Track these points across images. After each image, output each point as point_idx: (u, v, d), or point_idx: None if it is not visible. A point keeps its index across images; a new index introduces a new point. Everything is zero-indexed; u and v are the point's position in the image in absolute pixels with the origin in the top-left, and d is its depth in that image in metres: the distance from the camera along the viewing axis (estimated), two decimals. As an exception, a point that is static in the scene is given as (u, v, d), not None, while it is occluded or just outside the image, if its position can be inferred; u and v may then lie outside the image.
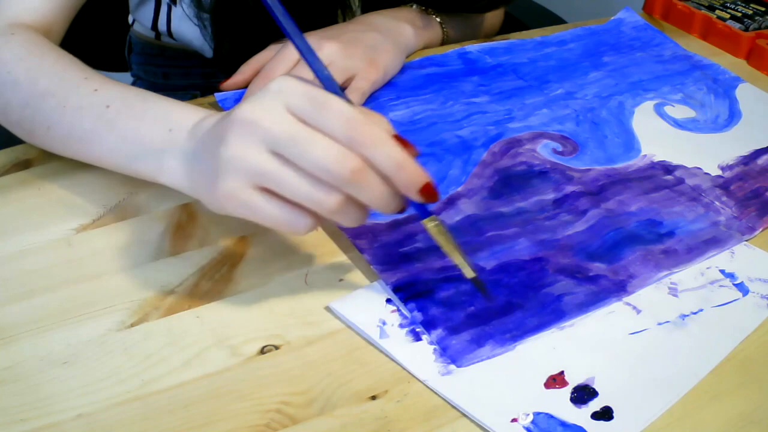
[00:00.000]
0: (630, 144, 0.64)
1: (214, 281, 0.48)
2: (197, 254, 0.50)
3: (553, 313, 0.47)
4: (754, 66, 0.79)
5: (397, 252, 0.50)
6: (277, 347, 0.44)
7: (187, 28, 0.78)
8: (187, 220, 0.53)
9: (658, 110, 0.69)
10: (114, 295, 0.47)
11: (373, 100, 0.66)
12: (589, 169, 0.60)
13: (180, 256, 0.50)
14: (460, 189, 0.57)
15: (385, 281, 0.48)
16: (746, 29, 0.81)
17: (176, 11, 0.78)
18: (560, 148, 0.62)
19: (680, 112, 0.69)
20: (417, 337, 0.45)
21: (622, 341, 0.46)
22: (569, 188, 0.57)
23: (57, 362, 0.42)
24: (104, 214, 0.53)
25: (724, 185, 0.59)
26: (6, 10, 0.60)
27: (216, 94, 0.65)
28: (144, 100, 0.50)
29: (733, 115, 0.69)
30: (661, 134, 0.65)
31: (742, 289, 0.50)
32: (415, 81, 0.70)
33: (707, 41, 0.83)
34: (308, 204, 0.40)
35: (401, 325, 0.46)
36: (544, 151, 0.61)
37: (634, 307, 0.48)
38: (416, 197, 0.41)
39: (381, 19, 0.71)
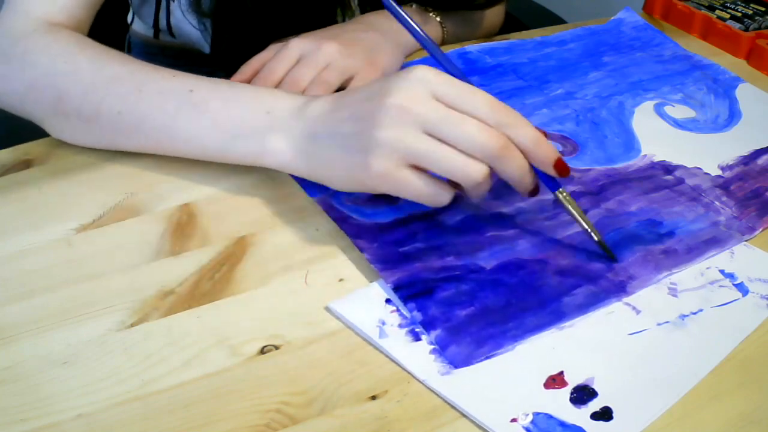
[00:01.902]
0: (630, 144, 0.64)
1: (214, 281, 0.48)
2: (197, 254, 0.50)
3: (552, 314, 0.47)
4: (754, 66, 0.79)
5: (397, 251, 0.50)
6: (277, 347, 0.44)
7: (187, 23, 0.78)
8: (187, 220, 0.53)
9: (658, 110, 0.69)
10: (114, 295, 0.47)
11: None
12: (589, 169, 0.60)
13: (180, 256, 0.50)
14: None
15: (385, 280, 0.48)
16: (746, 29, 0.81)
17: (176, 8, 0.78)
18: (560, 148, 0.62)
19: (680, 112, 0.69)
20: (416, 337, 0.45)
21: (621, 341, 0.46)
22: (570, 188, 0.57)
23: (57, 362, 0.42)
24: (104, 214, 0.53)
25: (724, 185, 0.59)
26: (36, 10, 0.59)
27: None
28: (230, 85, 0.51)
29: (733, 115, 0.69)
30: (661, 134, 0.65)
31: (742, 289, 0.50)
32: None
33: (707, 41, 0.83)
34: (458, 176, 0.46)
35: (401, 325, 0.46)
36: None
37: (634, 308, 0.48)
38: (551, 170, 0.48)
39: (380, 19, 0.71)
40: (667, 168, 0.61)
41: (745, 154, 0.64)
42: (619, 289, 0.49)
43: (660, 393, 0.43)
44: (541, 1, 1.07)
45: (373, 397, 0.42)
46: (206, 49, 0.78)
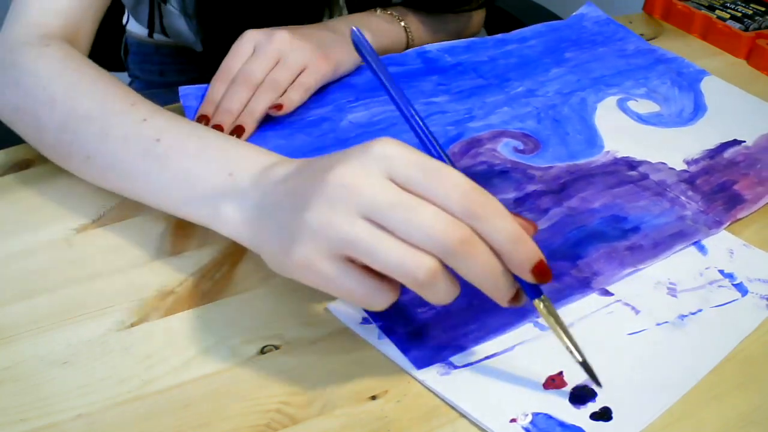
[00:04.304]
0: (592, 140, 0.63)
1: (214, 281, 0.48)
2: (197, 254, 0.50)
3: (515, 313, 0.47)
4: (754, 66, 0.79)
5: None
6: (277, 347, 0.44)
7: (179, 23, 0.78)
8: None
9: (621, 105, 0.68)
10: (114, 295, 0.47)
11: (331, 102, 0.66)
12: (551, 167, 0.60)
13: (180, 256, 0.50)
14: None
15: None
16: (746, 29, 0.81)
17: (168, 8, 0.78)
18: (521, 146, 0.62)
19: (644, 106, 0.69)
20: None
21: (621, 342, 0.46)
22: (531, 187, 0.57)
23: (57, 362, 0.43)
24: (104, 214, 0.53)
25: (689, 180, 0.59)
26: (33, 15, 0.57)
27: (180, 87, 0.65)
28: (199, 137, 0.47)
29: (698, 109, 0.69)
30: (624, 130, 0.65)
31: (741, 289, 0.50)
32: (373, 82, 0.69)
33: (707, 41, 0.83)
34: (397, 273, 0.37)
35: (401, 326, 0.46)
36: (504, 150, 0.61)
37: (633, 308, 0.48)
38: (528, 276, 0.38)
39: (337, 23, 0.71)
40: (631, 164, 0.61)
41: (711, 147, 0.64)
42: (584, 285, 0.49)
43: (659, 393, 0.43)
44: None
45: (373, 397, 0.42)
46: (199, 47, 0.78)
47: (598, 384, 0.41)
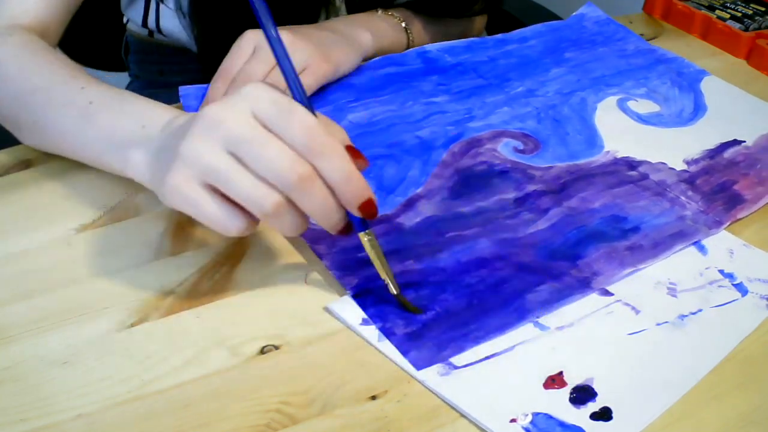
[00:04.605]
0: (592, 140, 0.63)
1: (214, 281, 0.48)
2: (197, 254, 0.50)
3: (516, 312, 0.47)
4: (754, 66, 0.79)
5: (355, 257, 0.49)
6: (277, 347, 0.44)
7: (175, 24, 0.78)
8: (187, 220, 0.53)
9: (621, 105, 0.68)
10: (114, 295, 0.47)
11: (331, 102, 0.66)
12: (551, 167, 0.60)
13: (180, 256, 0.50)
14: (419, 190, 0.56)
15: (344, 287, 0.47)
16: (746, 29, 0.81)
17: (164, 8, 0.78)
18: (521, 146, 0.62)
19: (644, 106, 0.69)
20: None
21: (621, 342, 0.46)
22: (530, 187, 0.57)
23: (57, 362, 0.42)
24: (104, 214, 0.53)
25: (689, 180, 0.59)
26: (4, 11, 0.62)
27: (180, 87, 0.65)
28: (123, 98, 0.52)
29: (698, 109, 0.69)
30: (624, 130, 0.65)
31: (741, 289, 0.50)
32: (373, 82, 0.69)
33: (707, 41, 0.83)
34: (247, 203, 0.42)
35: (401, 326, 0.46)
36: (504, 150, 0.61)
37: (633, 308, 0.48)
38: (356, 212, 0.43)
39: (338, 24, 0.71)
40: (631, 164, 0.61)
41: (711, 147, 0.64)
42: (584, 285, 0.49)
43: (659, 393, 0.43)
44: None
45: (373, 397, 0.42)
46: (194, 47, 0.78)
47: (416, 311, 0.46)
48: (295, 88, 0.44)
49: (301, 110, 0.41)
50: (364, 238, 0.45)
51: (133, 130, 0.48)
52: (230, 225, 0.43)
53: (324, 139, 0.41)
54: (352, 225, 0.45)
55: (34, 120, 0.54)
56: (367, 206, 0.43)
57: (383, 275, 0.46)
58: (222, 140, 0.41)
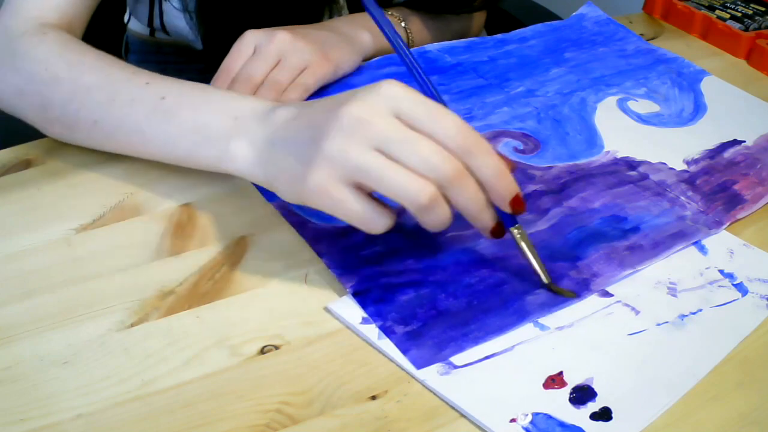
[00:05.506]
0: (592, 140, 0.63)
1: (214, 281, 0.48)
2: (197, 254, 0.50)
3: (515, 314, 0.47)
4: (754, 66, 0.79)
5: (355, 256, 0.49)
6: (277, 347, 0.44)
7: (180, 23, 0.78)
8: (187, 220, 0.53)
9: (621, 105, 0.68)
10: (114, 295, 0.47)
11: None
12: (551, 167, 0.60)
13: (180, 256, 0.50)
14: None
15: (344, 286, 0.47)
16: (746, 29, 0.81)
17: (170, 7, 0.78)
18: (521, 146, 0.62)
19: (644, 106, 0.69)
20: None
21: (621, 342, 0.46)
22: (531, 187, 0.57)
23: (57, 362, 0.43)
24: (104, 214, 0.53)
25: (689, 180, 0.59)
26: (31, 9, 0.61)
27: None
28: (202, 89, 0.51)
29: (698, 109, 0.69)
30: (624, 130, 0.65)
31: (741, 289, 0.50)
32: (373, 81, 0.68)
33: (707, 41, 0.83)
34: (403, 196, 0.42)
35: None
36: (505, 150, 0.61)
37: (633, 308, 0.48)
38: (507, 207, 0.45)
39: (338, 24, 0.71)
40: (631, 164, 0.61)
41: (711, 147, 0.63)
42: (583, 287, 0.49)
43: (659, 393, 0.43)
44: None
45: (373, 397, 0.42)
46: (199, 45, 0.78)
47: (571, 295, 0.48)
48: (430, 92, 0.47)
49: (447, 111, 0.43)
50: (515, 231, 0.47)
51: (223, 123, 0.49)
52: (377, 221, 0.44)
53: (476, 138, 0.43)
54: (503, 224, 0.46)
55: (94, 120, 0.53)
56: (517, 201, 0.45)
57: (535, 266, 0.47)
58: (367, 140, 0.42)
